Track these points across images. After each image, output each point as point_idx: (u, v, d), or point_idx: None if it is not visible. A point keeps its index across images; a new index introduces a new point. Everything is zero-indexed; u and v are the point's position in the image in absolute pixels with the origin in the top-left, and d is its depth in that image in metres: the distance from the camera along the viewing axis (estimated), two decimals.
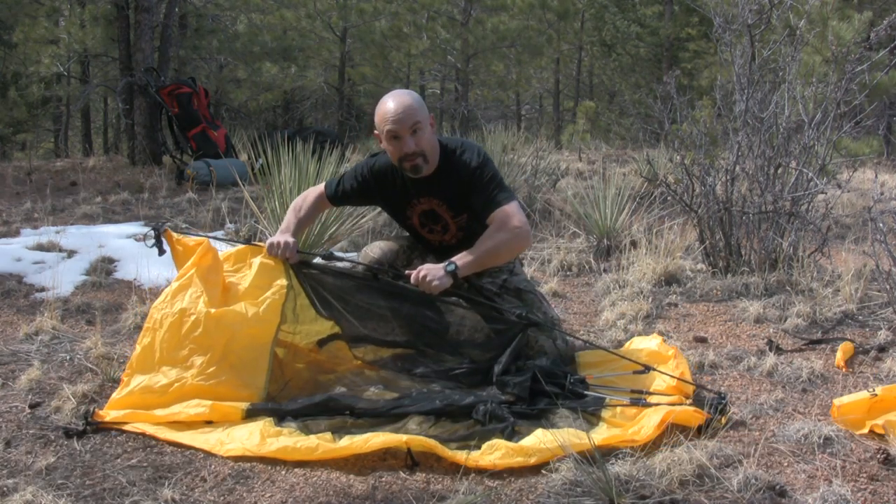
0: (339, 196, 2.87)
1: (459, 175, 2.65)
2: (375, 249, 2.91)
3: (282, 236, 2.71)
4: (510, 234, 2.57)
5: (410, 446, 2.15)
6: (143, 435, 2.28)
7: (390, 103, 2.57)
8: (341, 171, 3.96)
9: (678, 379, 2.47)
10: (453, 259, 2.53)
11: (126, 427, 2.33)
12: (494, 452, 2.12)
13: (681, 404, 2.35)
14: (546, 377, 2.44)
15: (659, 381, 2.51)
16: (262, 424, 2.27)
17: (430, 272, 2.49)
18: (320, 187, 2.92)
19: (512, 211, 2.59)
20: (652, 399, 2.40)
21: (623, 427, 2.27)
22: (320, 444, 2.17)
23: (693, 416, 2.26)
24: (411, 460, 2.13)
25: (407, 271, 2.55)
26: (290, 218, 2.86)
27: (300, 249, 2.75)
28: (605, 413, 2.35)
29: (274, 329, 2.59)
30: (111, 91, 11.82)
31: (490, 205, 2.60)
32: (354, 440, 2.18)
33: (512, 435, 2.23)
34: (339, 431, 2.26)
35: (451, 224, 2.76)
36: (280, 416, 2.35)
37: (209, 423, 2.32)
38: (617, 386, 2.53)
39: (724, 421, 2.31)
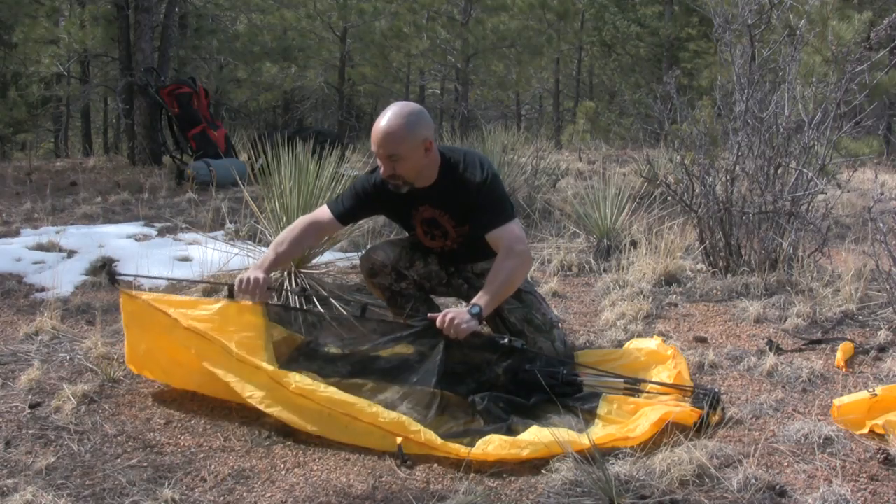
0: (346, 213, 2.78)
1: (462, 190, 2.61)
2: (379, 253, 2.89)
3: (253, 272, 2.57)
4: (519, 259, 2.55)
5: (405, 433, 2.17)
6: (143, 435, 2.28)
7: (381, 123, 2.49)
8: (341, 170, 3.96)
9: (672, 386, 2.47)
10: (475, 302, 2.47)
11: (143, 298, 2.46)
12: (488, 445, 2.14)
13: (676, 402, 2.35)
14: (539, 373, 2.46)
15: (655, 378, 2.52)
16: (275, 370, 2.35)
17: (457, 316, 2.42)
18: (318, 212, 2.82)
19: (516, 233, 2.58)
20: (647, 388, 2.42)
21: (619, 424, 2.27)
22: (328, 387, 2.28)
23: (689, 414, 2.27)
24: (402, 458, 2.14)
25: (430, 315, 2.47)
26: (267, 254, 2.71)
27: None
28: (602, 410, 2.36)
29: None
30: (111, 91, 11.81)
31: (493, 223, 2.58)
32: (357, 402, 2.24)
33: (508, 433, 2.24)
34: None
35: (451, 231, 2.74)
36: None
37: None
38: (611, 374, 2.54)
39: (717, 417, 2.32)
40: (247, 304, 2.50)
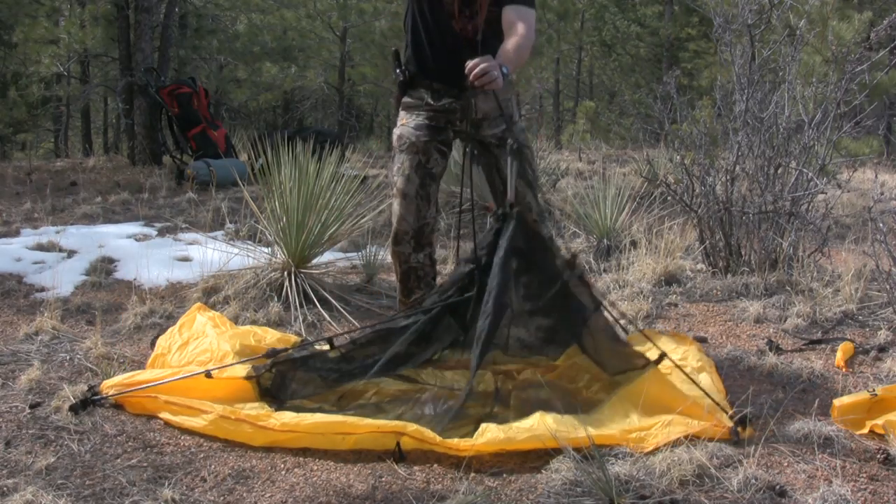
0: None
1: None
2: (402, 223, 2.83)
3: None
4: (531, 38, 2.64)
5: (402, 432, 2.17)
6: (143, 435, 2.28)
7: None
8: (341, 170, 3.95)
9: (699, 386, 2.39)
10: (502, 62, 2.49)
11: (129, 395, 2.41)
12: (485, 434, 2.14)
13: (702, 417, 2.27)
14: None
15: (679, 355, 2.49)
16: (259, 408, 2.31)
17: (486, 65, 2.41)
18: None
19: (533, 20, 2.69)
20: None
21: (627, 421, 2.23)
22: (314, 415, 2.24)
23: (712, 430, 2.20)
24: (399, 454, 2.14)
25: (468, 68, 2.44)
26: None
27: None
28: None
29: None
30: (111, 91, 11.81)
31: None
32: (347, 419, 2.22)
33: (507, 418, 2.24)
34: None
35: (481, 12, 2.74)
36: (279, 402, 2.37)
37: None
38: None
39: (747, 434, 2.24)
40: (247, 419, 2.31)
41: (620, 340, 2.53)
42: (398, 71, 2.87)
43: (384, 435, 2.20)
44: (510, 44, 2.59)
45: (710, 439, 2.18)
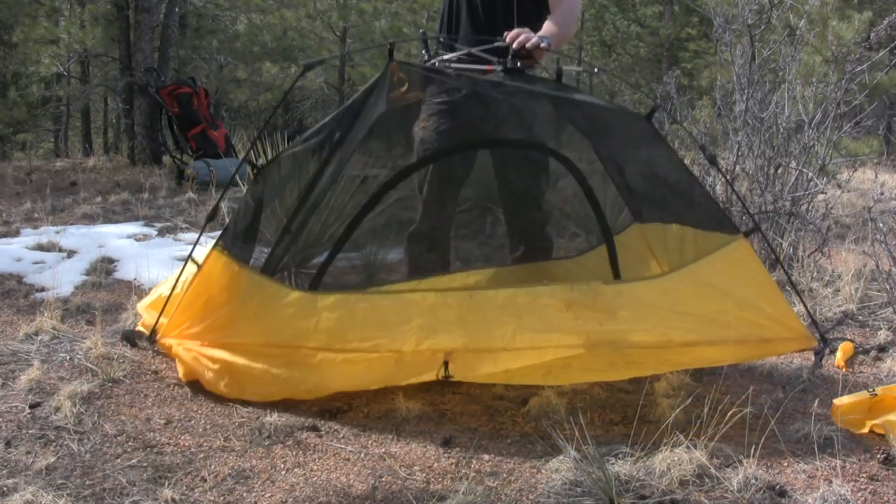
0: None
1: None
2: (419, 226, 2.87)
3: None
4: (576, 2, 2.60)
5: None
6: (143, 435, 2.29)
7: None
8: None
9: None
10: (542, 34, 2.44)
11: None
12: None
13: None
14: None
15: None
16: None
17: (526, 33, 2.38)
18: None
19: None
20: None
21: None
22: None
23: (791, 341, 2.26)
24: (445, 372, 2.19)
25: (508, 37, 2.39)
26: None
27: None
28: None
29: None
30: (111, 91, 11.81)
31: None
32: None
33: None
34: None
35: None
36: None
37: None
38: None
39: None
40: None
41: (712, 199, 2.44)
42: (423, 52, 2.80)
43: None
44: (553, 17, 2.53)
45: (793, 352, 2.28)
